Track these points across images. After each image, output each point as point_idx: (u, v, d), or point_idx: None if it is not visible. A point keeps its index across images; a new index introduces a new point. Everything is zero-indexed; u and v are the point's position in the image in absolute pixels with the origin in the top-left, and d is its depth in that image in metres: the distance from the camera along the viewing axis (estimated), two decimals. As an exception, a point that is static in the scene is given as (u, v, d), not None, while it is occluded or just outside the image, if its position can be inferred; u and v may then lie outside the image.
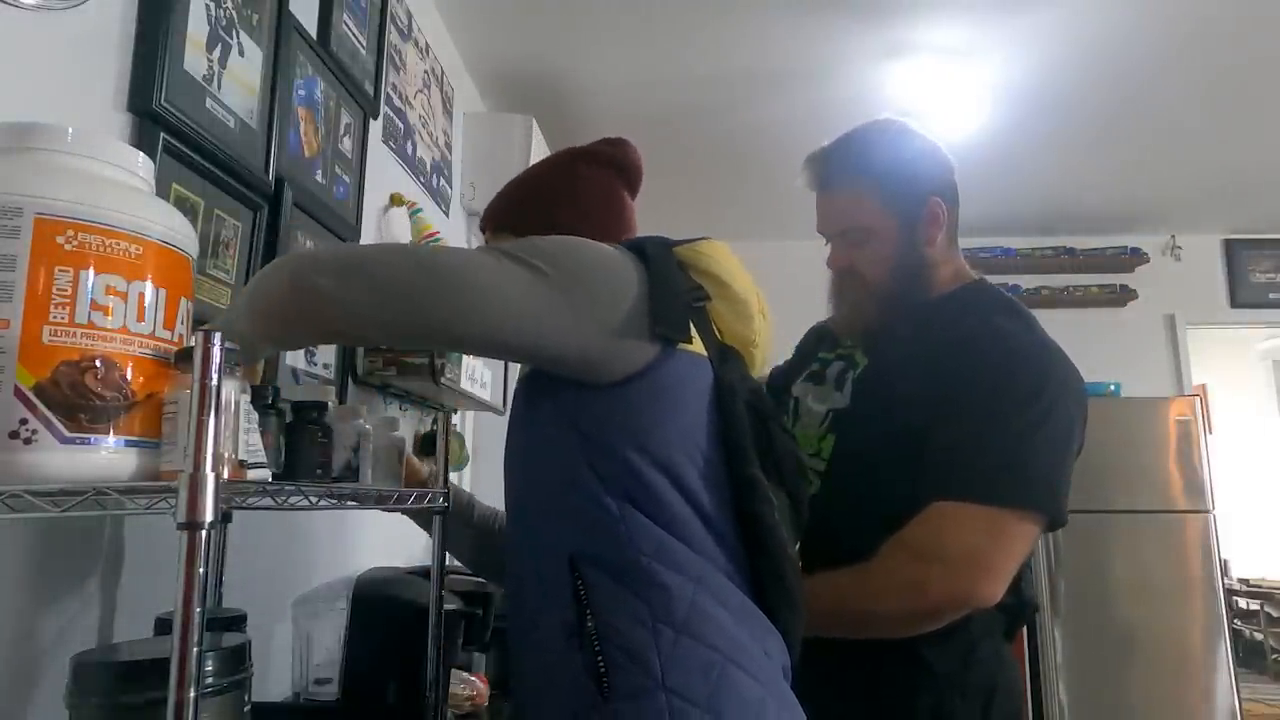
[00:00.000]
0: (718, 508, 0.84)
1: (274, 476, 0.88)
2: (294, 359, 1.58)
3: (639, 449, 0.81)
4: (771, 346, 1.02)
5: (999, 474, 0.96)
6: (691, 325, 0.86)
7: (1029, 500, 0.96)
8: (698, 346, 0.87)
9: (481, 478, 2.79)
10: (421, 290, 0.78)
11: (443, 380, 1.89)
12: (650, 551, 0.79)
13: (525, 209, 1.04)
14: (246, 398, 0.74)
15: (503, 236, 1.04)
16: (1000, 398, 0.99)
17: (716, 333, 0.91)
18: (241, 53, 1.39)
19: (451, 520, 1.16)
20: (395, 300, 0.78)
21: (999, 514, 0.95)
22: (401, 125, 2.22)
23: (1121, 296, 4.48)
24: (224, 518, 0.97)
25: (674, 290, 0.86)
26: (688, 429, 0.84)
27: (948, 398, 1.00)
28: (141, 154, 0.75)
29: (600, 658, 0.75)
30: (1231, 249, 4.61)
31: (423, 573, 1.27)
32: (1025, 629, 3.61)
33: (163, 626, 0.98)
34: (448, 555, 1.18)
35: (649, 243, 0.90)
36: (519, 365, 1.02)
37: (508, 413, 0.95)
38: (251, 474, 0.73)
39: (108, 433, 0.65)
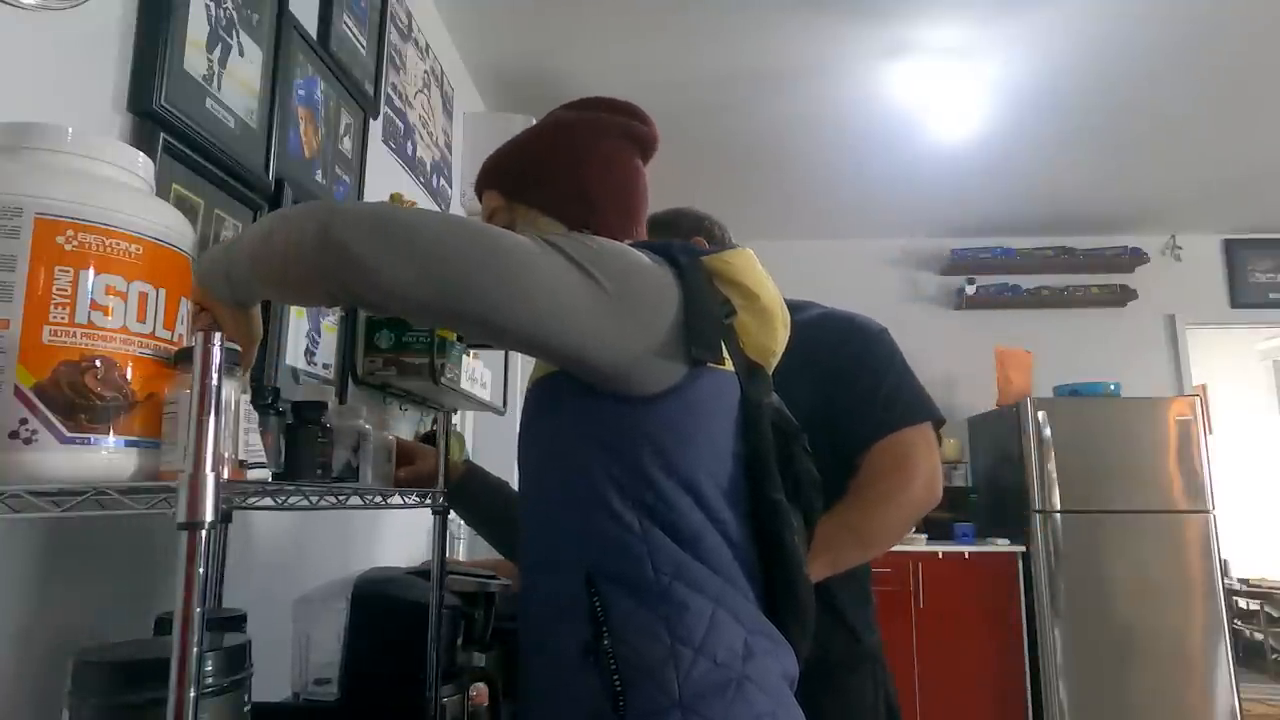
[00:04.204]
0: (738, 526, 0.83)
1: (274, 476, 0.88)
2: (294, 359, 1.58)
3: (664, 466, 0.79)
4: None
5: (913, 402, 1.26)
6: (721, 343, 0.84)
7: (932, 414, 1.27)
8: (726, 363, 0.84)
9: (481, 478, 2.79)
10: (472, 272, 0.70)
11: (443, 380, 1.89)
12: (670, 570, 0.77)
13: (542, 184, 0.96)
14: (246, 398, 0.74)
15: (517, 207, 0.98)
16: (874, 353, 1.30)
17: (741, 346, 0.88)
18: (241, 53, 1.39)
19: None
20: (438, 277, 0.70)
21: (925, 429, 1.25)
22: (401, 125, 2.22)
23: (1121, 296, 4.48)
24: (224, 518, 0.97)
25: (707, 308, 0.83)
26: (713, 447, 0.82)
27: (829, 371, 1.26)
28: (141, 154, 0.75)
29: (616, 677, 0.73)
30: (1231, 249, 4.61)
31: (423, 573, 1.27)
32: (1025, 628, 3.62)
33: (163, 626, 0.98)
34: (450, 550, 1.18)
35: (680, 253, 0.85)
36: (524, 367, 1.01)
37: (508, 413, 0.93)
38: (251, 474, 0.73)
39: (108, 433, 0.65)
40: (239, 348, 0.78)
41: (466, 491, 1.32)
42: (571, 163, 0.96)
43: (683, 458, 0.80)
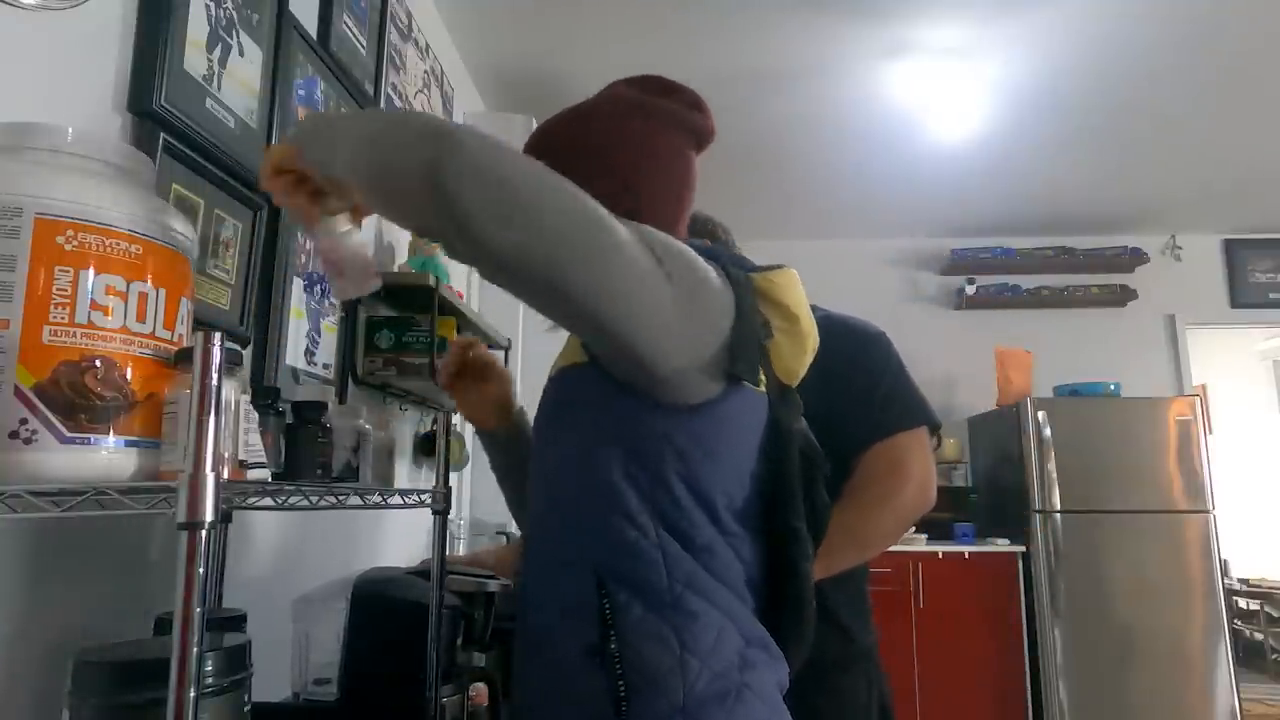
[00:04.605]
0: (749, 544, 0.83)
1: (274, 476, 0.88)
2: (294, 359, 1.58)
3: (685, 477, 0.78)
4: None
5: (909, 406, 1.28)
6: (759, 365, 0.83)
7: (928, 418, 1.29)
8: (759, 384, 0.83)
9: (480, 478, 2.79)
10: (571, 262, 0.66)
11: (443, 380, 1.89)
12: (683, 580, 0.77)
13: (591, 165, 0.88)
14: (246, 398, 0.74)
15: None
16: (871, 355, 1.30)
17: (772, 367, 0.86)
18: (241, 53, 1.39)
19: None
20: (542, 256, 0.65)
21: (919, 434, 1.26)
22: (401, 125, 2.22)
23: (1121, 296, 4.48)
24: (224, 518, 0.96)
25: (753, 329, 0.80)
26: (735, 466, 0.81)
27: (826, 374, 1.21)
28: (142, 154, 0.75)
29: (621, 682, 0.73)
30: (1231, 249, 4.61)
31: (423, 573, 1.27)
32: (1025, 628, 3.62)
33: (163, 626, 0.98)
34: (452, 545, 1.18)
35: (730, 264, 0.82)
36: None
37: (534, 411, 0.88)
38: (251, 474, 0.73)
39: (108, 433, 0.65)
40: (231, 342, 0.77)
41: (516, 440, 1.15)
42: (626, 149, 0.90)
43: (704, 472, 0.79)
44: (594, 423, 0.81)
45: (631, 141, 0.91)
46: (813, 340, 0.89)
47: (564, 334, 1.00)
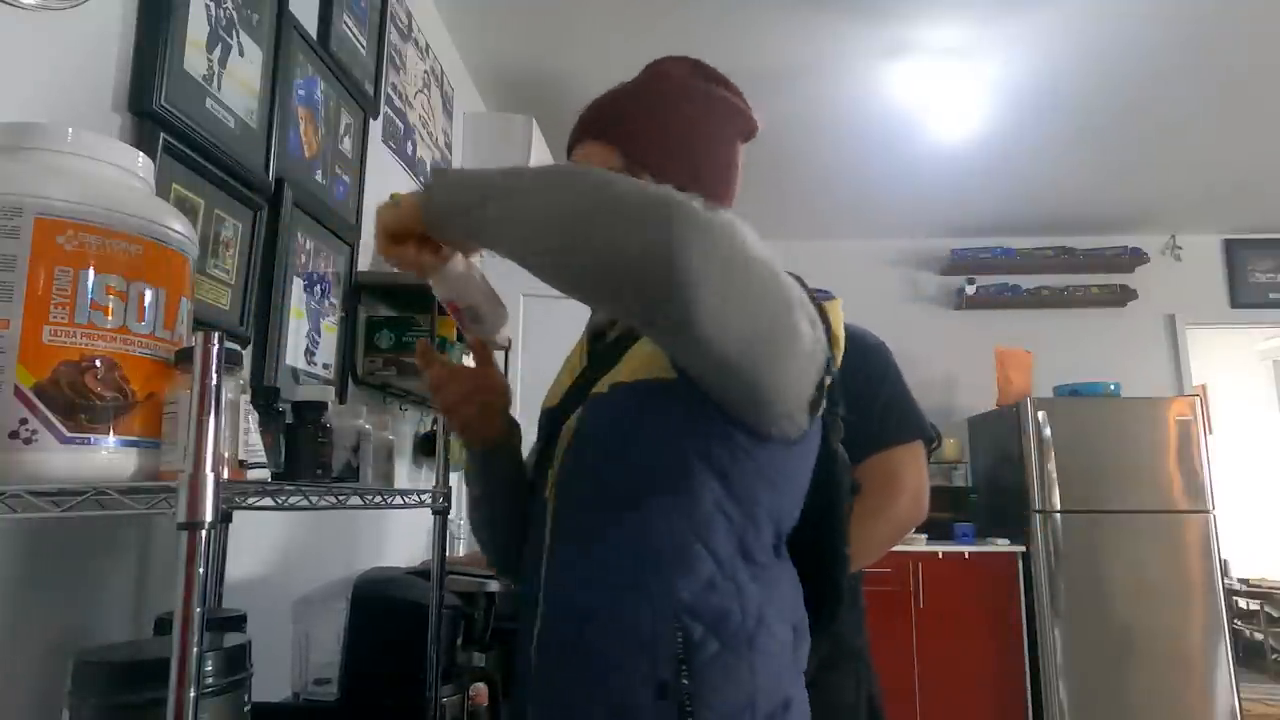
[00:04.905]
0: (791, 568, 0.83)
1: (274, 476, 0.88)
2: (294, 359, 1.58)
3: (770, 509, 0.77)
4: None
5: (905, 419, 1.30)
6: None
7: (924, 431, 1.32)
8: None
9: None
10: (766, 336, 0.65)
11: (443, 380, 1.89)
12: (755, 614, 0.75)
13: (669, 156, 0.84)
14: (246, 398, 0.74)
15: (639, 172, 0.83)
16: (871, 363, 1.32)
17: None
18: (241, 53, 1.39)
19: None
20: (750, 340, 0.63)
21: (914, 447, 1.29)
22: (401, 125, 2.22)
23: (1121, 296, 4.48)
24: (224, 518, 0.96)
25: (831, 360, 0.77)
26: (800, 496, 0.81)
27: None
28: (141, 154, 0.75)
29: (691, 718, 0.71)
30: (1231, 249, 4.61)
31: (423, 573, 1.27)
32: (1025, 628, 3.62)
33: (163, 626, 0.98)
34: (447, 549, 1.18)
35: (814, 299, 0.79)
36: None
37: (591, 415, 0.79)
38: (251, 474, 0.73)
39: (108, 433, 0.65)
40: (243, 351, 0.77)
41: (517, 451, 0.96)
42: (690, 135, 0.86)
43: (782, 503, 0.79)
44: (684, 446, 0.75)
45: (694, 127, 0.87)
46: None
47: (582, 329, 0.99)
